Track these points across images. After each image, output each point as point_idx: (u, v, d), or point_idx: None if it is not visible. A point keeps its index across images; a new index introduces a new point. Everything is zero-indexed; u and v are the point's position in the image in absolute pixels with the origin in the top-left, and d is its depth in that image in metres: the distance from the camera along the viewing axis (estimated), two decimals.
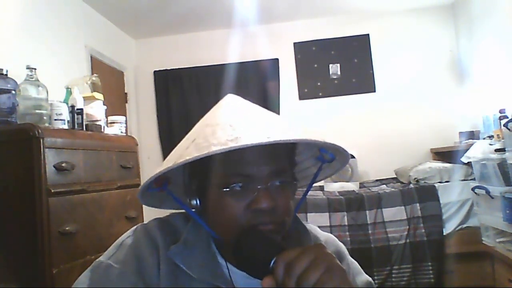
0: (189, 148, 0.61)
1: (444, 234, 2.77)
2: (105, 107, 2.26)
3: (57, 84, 2.15)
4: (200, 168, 0.67)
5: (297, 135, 0.62)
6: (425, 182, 3.01)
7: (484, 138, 2.92)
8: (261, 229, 0.61)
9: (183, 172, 0.72)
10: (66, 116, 1.86)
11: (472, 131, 3.45)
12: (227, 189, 0.63)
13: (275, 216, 0.63)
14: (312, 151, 0.76)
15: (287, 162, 0.68)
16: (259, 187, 0.62)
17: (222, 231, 0.66)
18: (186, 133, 0.70)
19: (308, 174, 0.80)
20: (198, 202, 0.68)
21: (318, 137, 0.63)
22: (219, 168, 0.64)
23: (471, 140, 3.15)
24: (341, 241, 0.83)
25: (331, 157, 0.72)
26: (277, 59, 4.19)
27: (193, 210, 0.69)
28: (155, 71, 4.25)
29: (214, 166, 0.64)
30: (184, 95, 4.18)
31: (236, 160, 0.63)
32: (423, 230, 2.76)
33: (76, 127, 1.94)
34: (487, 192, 2.39)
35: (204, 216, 0.68)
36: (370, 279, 0.78)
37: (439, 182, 2.96)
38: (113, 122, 2.35)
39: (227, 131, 0.60)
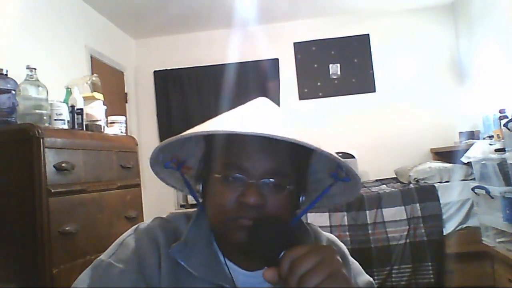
0: (190, 130, 0.63)
1: (444, 234, 2.77)
2: (105, 107, 2.26)
3: (57, 84, 2.15)
4: (207, 154, 0.69)
5: (297, 137, 0.58)
6: (425, 182, 3.01)
7: (484, 138, 2.93)
8: (279, 219, 0.61)
9: (200, 158, 0.74)
10: (66, 116, 1.86)
11: (472, 131, 3.45)
12: (219, 176, 0.64)
13: (260, 214, 0.62)
14: (330, 168, 0.73)
15: (289, 166, 0.66)
16: (250, 181, 0.63)
17: (213, 219, 0.67)
18: None
19: (329, 195, 0.76)
20: (201, 188, 0.70)
21: (317, 145, 0.60)
22: (219, 156, 0.65)
23: (471, 140, 3.15)
24: (341, 241, 0.83)
25: (345, 176, 0.70)
26: (277, 59, 4.19)
27: (200, 200, 0.72)
28: (155, 71, 4.25)
29: (217, 153, 0.66)
30: (184, 95, 4.18)
31: (236, 151, 0.64)
32: (423, 230, 2.76)
33: (76, 127, 1.94)
34: (487, 192, 2.39)
35: (204, 202, 0.70)
36: (370, 279, 0.78)
37: (439, 182, 2.96)
38: (113, 122, 2.35)
39: (230, 120, 0.62)
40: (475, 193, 2.59)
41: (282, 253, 0.53)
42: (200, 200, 0.72)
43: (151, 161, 0.71)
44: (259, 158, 0.63)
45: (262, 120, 0.64)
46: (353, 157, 3.73)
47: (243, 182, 0.63)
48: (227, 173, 0.64)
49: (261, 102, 0.72)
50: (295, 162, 0.68)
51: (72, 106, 1.95)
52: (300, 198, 0.71)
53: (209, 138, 0.68)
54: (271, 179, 0.64)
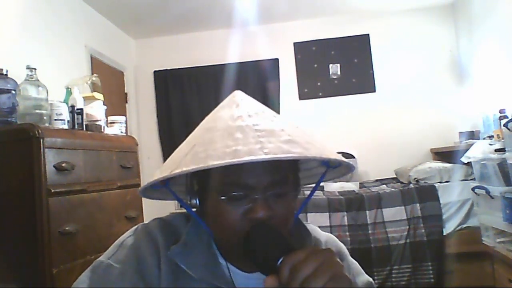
0: (187, 156, 0.60)
1: (444, 234, 2.77)
2: (105, 107, 2.26)
3: (57, 84, 2.15)
4: (201, 172, 0.66)
5: (300, 147, 0.59)
6: (425, 182, 3.01)
7: (484, 138, 2.92)
8: (274, 226, 0.61)
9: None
10: (66, 116, 1.86)
11: (472, 131, 3.45)
12: (224, 198, 0.63)
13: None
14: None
15: (289, 170, 0.67)
16: (256, 197, 0.62)
17: (219, 234, 0.66)
18: (186, 133, 0.70)
19: (314, 174, 0.80)
20: (198, 202, 0.69)
21: (320, 151, 0.61)
22: (218, 176, 0.63)
23: (471, 140, 3.15)
24: (341, 241, 0.83)
25: (337, 162, 0.71)
26: (277, 59, 4.19)
27: (194, 209, 0.69)
28: (155, 71, 4.25)
29: (214, 173, 0.64)
30: (184, 95, 4.18)
31: (235, 170, 0.62)
32: (423, 230, 2.76)
33: (76, 127, 1.94)
34: (487, 192, 2.39)
35: (203, 216, 0.69)
36: (370, 279, 0.78)
37: (439, 182, 2.96)
38: (113, 122, 2.35)
39: (225, 141, 0.59)
40: (475, 193, 2.59)
41: (280, 260, 0.53)
42: (190, 203, 0.70)
43: (141, 192, 0.70)
44: (260, 172, 0.62)
45: (254, 136, 0.59)
46: (353, 157, 3.73)
47: (249, 198, 0.62)
48: (230, 193, 0.62)
49: (239, 100, 0.71)
50: (291, 164, 0.68)
51: (72, 106, 1.95)
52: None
53: None
54: (276, 190, 0.63)
